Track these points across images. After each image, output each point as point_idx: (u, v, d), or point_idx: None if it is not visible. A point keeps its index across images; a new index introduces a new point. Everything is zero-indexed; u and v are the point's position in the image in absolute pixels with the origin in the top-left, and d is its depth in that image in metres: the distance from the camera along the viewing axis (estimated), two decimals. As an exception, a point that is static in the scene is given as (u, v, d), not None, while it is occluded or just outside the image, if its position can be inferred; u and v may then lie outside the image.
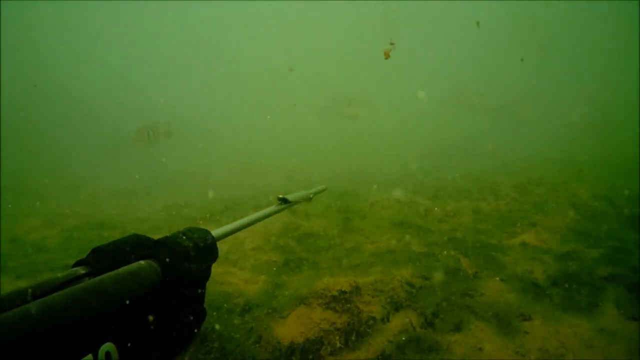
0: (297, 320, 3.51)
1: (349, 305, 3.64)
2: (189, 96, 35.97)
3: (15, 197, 10.55)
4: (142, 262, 0.89)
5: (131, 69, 40.45)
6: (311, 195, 1.80)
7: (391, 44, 5.51)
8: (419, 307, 3.84)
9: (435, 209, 6.93)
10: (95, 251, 0.91)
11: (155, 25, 45.24)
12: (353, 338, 3.42)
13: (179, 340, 0.97)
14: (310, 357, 3.25)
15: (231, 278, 4.39)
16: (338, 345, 3.34)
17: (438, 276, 4.37)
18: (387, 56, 5.24)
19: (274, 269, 4.66)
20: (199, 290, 1.04)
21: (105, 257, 0.90)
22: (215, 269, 3.86)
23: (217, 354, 2.94)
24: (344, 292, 3.69)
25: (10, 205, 9.46)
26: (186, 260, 0.97)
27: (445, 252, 4.93)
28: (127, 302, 0.79)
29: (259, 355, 3.11)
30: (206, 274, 1.06)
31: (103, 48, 40.40)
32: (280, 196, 1.59)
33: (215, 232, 1.17)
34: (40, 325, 0.62)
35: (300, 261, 4.83)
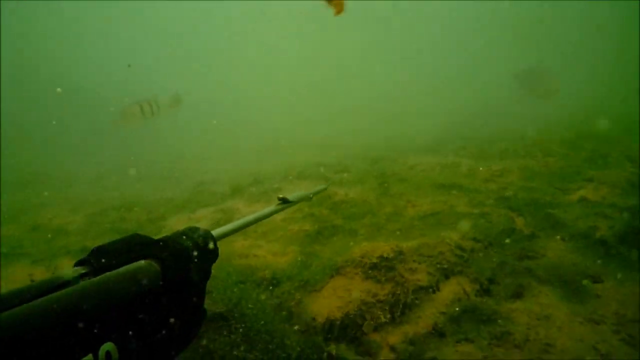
0: (333, 293, 3.13)
1: (392, 274, 3.22)
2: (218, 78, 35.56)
3: (38, 187, 10.52)
4: (142, 262, 0.90)
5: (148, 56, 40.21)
6: (311, 196, 1.86)
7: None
8: (472, 273, 3.43)
9: (480, 168, 6.44)
10: (95, 251, 0.91)
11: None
12: (399, 311, 3.02)
13: (179, 340, 0.95)
14: (352, 334, 2.86)
15: (258, 251, 4.03)
16: (382, 319, 2.96)
17: (491, 238, 3.91)
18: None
19: (306, 238, 4.28)
20: (199, 290, 1.03)
21: (105, 257, 0.90)
22: (241, 242, 3.46)
23: (242, 334, 2.57)
24: (386, 259, 3.27)
25: (31, 195, 9.42)
26: (186, 260, 0.99)
27: (496, 212, 4.46)
28: (128, 302, 0.80)
29: (290, 336, 2.72)
30: (206, 274, 1.07)
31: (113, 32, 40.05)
32: (281, 196, 1.62)
33: (215, 232, 1.18)
34: (40, 325, 0.63)
35: (334, 229, 4.44)
